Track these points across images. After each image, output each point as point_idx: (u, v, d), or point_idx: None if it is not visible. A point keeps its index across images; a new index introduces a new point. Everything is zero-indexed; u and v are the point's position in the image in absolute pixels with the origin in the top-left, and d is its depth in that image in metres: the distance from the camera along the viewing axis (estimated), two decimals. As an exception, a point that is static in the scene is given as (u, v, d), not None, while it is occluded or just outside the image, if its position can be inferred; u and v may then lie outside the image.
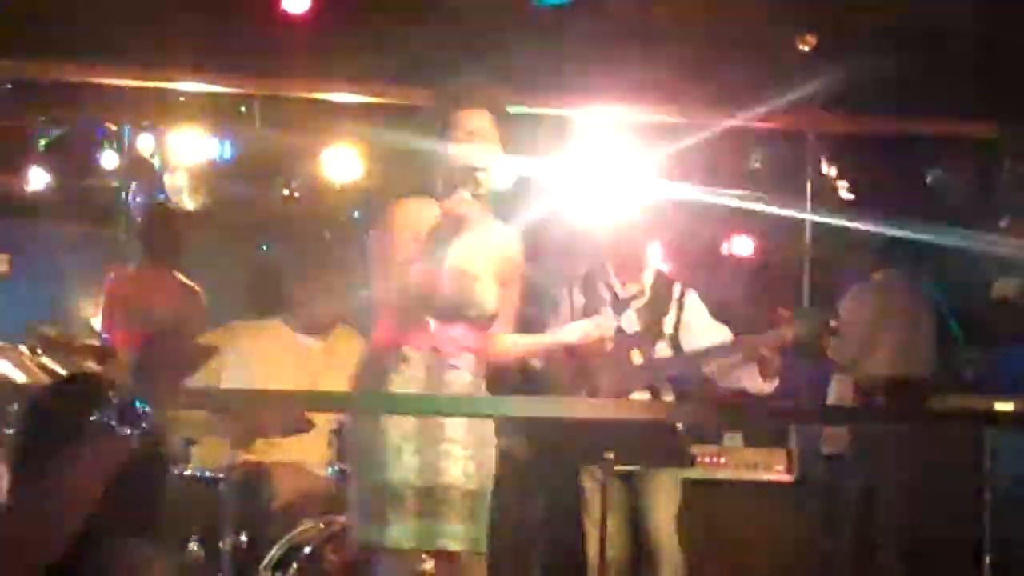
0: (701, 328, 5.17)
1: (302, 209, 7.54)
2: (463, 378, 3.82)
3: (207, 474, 4.80)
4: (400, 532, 3.73)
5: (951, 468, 6.03)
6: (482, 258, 3.88)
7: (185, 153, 6.86)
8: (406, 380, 3.77)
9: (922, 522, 6.13)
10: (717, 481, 5.90)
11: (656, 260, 5.38)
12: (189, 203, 6.99)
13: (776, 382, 5.10)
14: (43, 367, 4.95)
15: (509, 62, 5.59)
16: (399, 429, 3.74)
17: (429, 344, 3.79)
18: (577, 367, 4.89)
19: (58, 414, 2.35)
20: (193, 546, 4.69)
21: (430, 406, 3.75)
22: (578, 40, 5.89)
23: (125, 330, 6.16)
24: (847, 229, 6.79)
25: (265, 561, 4.59)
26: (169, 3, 5.67)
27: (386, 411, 3.80)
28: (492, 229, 3.95)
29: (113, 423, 2.27)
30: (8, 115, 6.78)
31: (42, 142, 6.91)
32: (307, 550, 4.58)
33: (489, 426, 3.91)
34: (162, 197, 7.04)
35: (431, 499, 3.74)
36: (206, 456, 4.90)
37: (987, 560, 5.13)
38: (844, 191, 6.95)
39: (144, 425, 2.28)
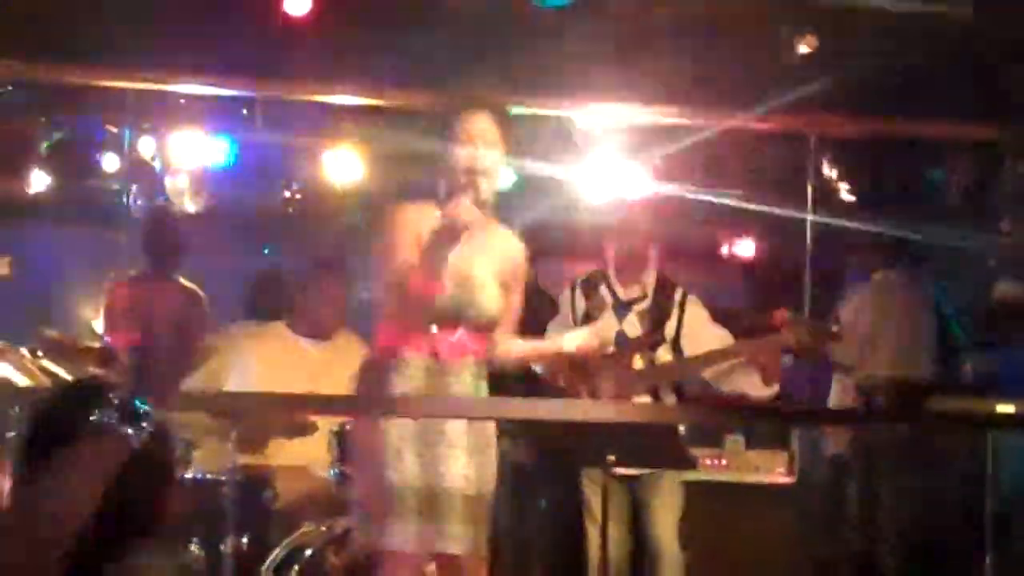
0: (702, 332, 5.17)
1: (303, 211, 7.54)
2: (464, 383, 3.82)
3: (208, 477, 4.81)
4: (402, 535, 3.73)
5: (952, 470, 6.03)
6: (484, 262, 3.88)
7: (186, 155, 6.85)
8: (406, 386, 3.77)
9: (923, 524, 6.12)
10: (718, 483, 5.90)
11: (657, 263, 5.37)
12: (190, 205, 7.00)
13: (776, 388, 5.11)
14: (44, 369, 4.94)
15: (510, 64, 5.60)
16: (400, 432, 3.74)
17: (429, 349, 3.80)
18: (579, 370, 4.89)
19: (61, 417, 2.35)
20: (194, 548, 4.69)
21: (432, 408, 3.75)
22: (579, 41, 5.88)
23: (126, 333, 6.16)
24: (848, 230, 6.80)
25: (267, 563, 4.59)
26: (170, 5, 5.67)
27: (388, 414, 3.80)
28: (495, 232, 3.95)
29: (114, 423, 2.27)
30: (9, 117, 6.78)
31: (43, 144, 6.90)
32: (309, 552, 4.59)
33: (490, 429, 3.91)
34: (163, 199, 7.04)
35: (432, 502, 3.75)
36: (207, 459, 4.90)
37: (988, 562, 5.13)
38: (845, 192, 6.95)
39: (145, 426, 2.29)
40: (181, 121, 6.72)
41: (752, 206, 6.63)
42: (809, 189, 6.76)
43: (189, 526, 4.69)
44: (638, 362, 5.14)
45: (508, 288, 3.95)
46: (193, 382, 5.22)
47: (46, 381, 4.84)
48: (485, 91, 3.98)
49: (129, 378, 2.39)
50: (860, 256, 6.67)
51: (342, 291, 5.39)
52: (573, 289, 5.31)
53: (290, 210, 7.59)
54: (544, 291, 6.02)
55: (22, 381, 4.82)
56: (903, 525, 6.16)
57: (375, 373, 3.87)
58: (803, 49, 5.84)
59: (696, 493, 5.36)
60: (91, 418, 2.27)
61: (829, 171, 6.87)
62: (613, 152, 6.62)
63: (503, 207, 3.99)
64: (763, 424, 5.84)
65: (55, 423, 2.35)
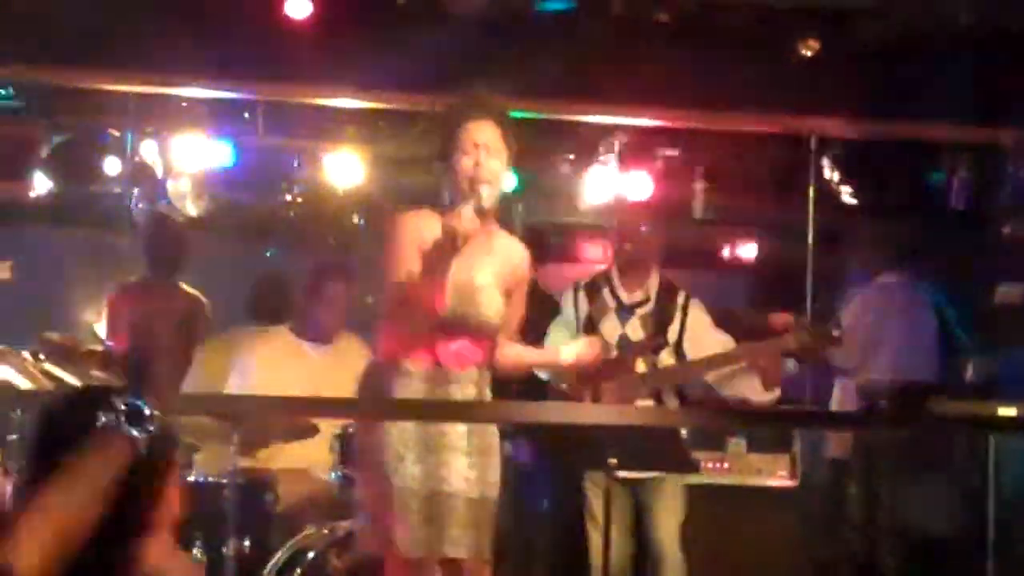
0: (704, 336, 5.17)
1: (305, 214, 7.55)
2: (467, 392, 3.81)
3: (210, 480, 4.81)
4: (404, 539, 3.73)
5: (954, 473, 6.02)
6: (487, 269, 3.87)
7: (188, 159, 6.86)
8: (408, 394, 3.76)
9: (925, 527, 6.12)
10: (720, 487, 5.89)
11: (660, 266, 5.36)
12: (192, 209, 6.99)
13: (778, 392, 5.11)
14: (46, 373, 4.95)
15: (512, 67, 5.60)
16: (403, 437, 3.74)
17: (431, 358, 3.79)
18: (581, 375, 4.89)
19: (68, 421, 2.36)
20: (196, 552, 4.69)
21: (433, 412, 3.75)
22: (581, 44, 5.89)
23: (128, 337, 6.16)
24: (849, 233, 6.80)
25: (269, 566, 4.60)
26: (172, 9, 5.68)
27: (391, 418, 3.80)
28: (498, 239, 3.95)
29: (120, 426, 2.28)
30: (11, 121, 6.79)
31: (45, 148, 6.90)
32: (311, 555, 4.59)
33: (493, 434, 3.90)
34: (165, 203, 7.04)
35: (436, 506, 3.75)
36: (208, 462, 4.90)
37: (990, 565, 5.12)
38: (846, 195, 6.94)
39: (150, 428, 2.29)
40: (183, 124, 6.72)
41: (753, 208, 6.64)
42: (811, 191, 6.75)
43: (191, 529, 4.69)
44: (641, 366, 5.14)
45: (511, 294, 3.95)
46: (195, 385, 5.23)
47: (48, 384, 4.84)
48: (486, 94, 3.98)
49: (128, 382, 2.40)
50: (861, 258, 6.67)
51: (344, 294, 5.39)
52: (576, 291, 5.30)
53: (291, 213, 7.59)
54: (545, 293, 6.01)
55: (24, 384, 4.82)
56: (905, 528, 6.16)
57: (377, 380, 3.87)
58: (805, 51, 5.84)
59: (698, 496, 5.36)
60: (97, 422, 2.28)
61: (830, 173, 6.86)
62: (615, 154, 6.63)
63: (503, 208, 3.99)
64: (765, 427, 5.84)
65: (62, 427, 2.36)
